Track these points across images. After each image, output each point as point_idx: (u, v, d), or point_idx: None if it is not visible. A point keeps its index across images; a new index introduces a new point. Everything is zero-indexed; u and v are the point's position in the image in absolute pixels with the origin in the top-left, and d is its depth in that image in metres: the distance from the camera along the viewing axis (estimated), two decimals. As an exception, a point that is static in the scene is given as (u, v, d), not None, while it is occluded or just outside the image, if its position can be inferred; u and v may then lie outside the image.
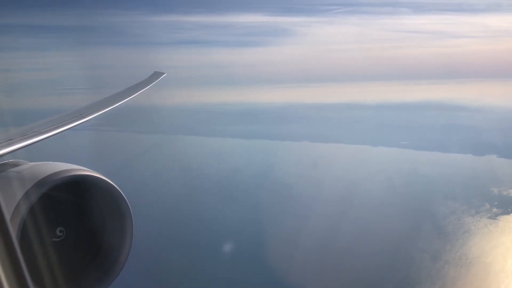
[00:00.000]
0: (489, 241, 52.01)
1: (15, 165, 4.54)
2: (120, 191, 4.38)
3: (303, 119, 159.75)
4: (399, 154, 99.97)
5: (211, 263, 47.52)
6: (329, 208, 63.18)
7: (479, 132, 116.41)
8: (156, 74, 11.01)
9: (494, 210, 61.23)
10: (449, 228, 55.61)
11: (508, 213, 60.27)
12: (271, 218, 60.56)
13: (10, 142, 4.76)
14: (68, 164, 4.26)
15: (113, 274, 4.38)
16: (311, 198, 68.33)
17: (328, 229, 55.84)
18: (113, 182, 4.36)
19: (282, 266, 46.35)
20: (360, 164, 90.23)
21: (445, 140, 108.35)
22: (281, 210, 63.59)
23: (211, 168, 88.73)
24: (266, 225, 58.35)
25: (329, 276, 44.58)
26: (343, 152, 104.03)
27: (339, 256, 48.41)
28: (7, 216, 2.13)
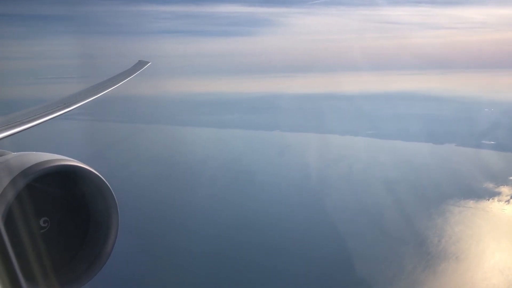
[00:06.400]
0: (434, 223, 55.56)
1: None
2: (105, 181, 4.32)
3: (279, 109, 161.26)
4: (363, 142, 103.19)
5: (188, 253, 48.67)
6: (284, 195, 66.44)
7: (445, 122, 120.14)
8: (141, 63, 10.90)
9: (445, 195, 64.14)
10: (399, 212, 58.39)
11: (458, 197, 63.61)
12: (231, 204, 63.37)
13: None
14: (53, 154, 4.16)
15: (98, 265, 4.35)
16: (271, 185, 71.21)
17: (282, 215, 58.87)
18: (98, 172, 4.30)
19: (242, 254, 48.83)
20: (322, 152, 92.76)
21: (410, 129, 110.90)
22: (242, 197, 66.36)
23: (179, 158, 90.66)
24: (224, 211, 61.04)
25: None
26: (310, 141, 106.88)
27: (295, 243, 50.81)
28: None
